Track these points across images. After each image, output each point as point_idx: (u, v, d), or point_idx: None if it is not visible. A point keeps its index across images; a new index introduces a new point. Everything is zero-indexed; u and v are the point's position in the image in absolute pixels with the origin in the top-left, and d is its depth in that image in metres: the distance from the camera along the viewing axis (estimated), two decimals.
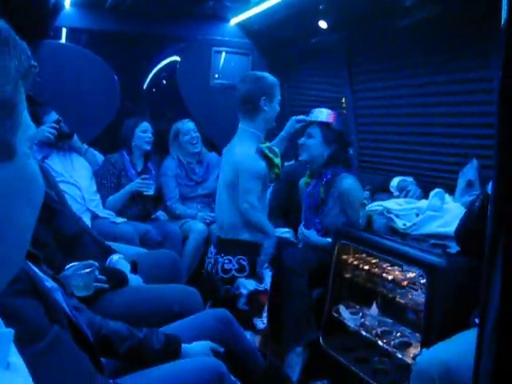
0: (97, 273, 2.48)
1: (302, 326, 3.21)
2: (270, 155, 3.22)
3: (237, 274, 3.13)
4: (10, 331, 0.63)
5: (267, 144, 3.30)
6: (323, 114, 3.59)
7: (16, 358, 0.65)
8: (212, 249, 3.36)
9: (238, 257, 3.15)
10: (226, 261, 3.17)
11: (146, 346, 1.93)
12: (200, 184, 4.61)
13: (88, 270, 2.41)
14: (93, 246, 2.91)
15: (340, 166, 3.59)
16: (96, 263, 2.49)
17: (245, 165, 3.16)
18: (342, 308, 3.21)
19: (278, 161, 3.27)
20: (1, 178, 0.57)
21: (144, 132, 4.43)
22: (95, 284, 2.47)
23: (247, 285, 3.12)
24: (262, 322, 3.15)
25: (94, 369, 1.39)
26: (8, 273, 0.64)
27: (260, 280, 3.14)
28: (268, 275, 3.18)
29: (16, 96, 0.59)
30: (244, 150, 3.21)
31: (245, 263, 3.14)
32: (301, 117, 3.66)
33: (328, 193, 3.52)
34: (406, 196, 3.37)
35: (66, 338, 1.24)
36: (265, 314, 3.17)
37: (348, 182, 3.48)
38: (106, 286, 2.53)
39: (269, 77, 3.32)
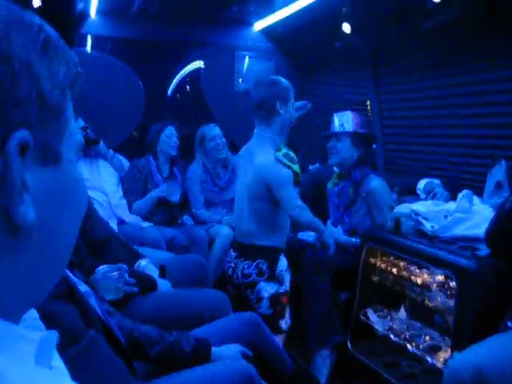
0: (126, 276, 2.50)
1: (326, 327, 3.20)
2: (288, 163, 3.21)
3: (257, 278, 3.13)
4: (54, 334, 0.64)
5: (283, 151, 3.27)
6: (349, 124, 3.60)
7: (58, 362, 0.65)
8: (232, 252, 3.35)
9: (258, 261, 3.15)
10: (246, 265, 3.17)
11: (177, 349, 1.94)
12: (225, 189, 4.60)
13: (118, 273, 2.43)
14: (121, 251, 2.93)
15: (368, 166, 3.62)
16: (125, 266, 2.50)
17: (273, 178, 3.12)
18: (369, 312, 3.20)
19: (296, 168, 3.26)
20: (46, 182, 0.58)
21: (169, 137, 4.45)
22: (125, 287, 2.48)
23: (268, 288, 3.12)
24: (285, 323, 3.15)
25: (128, 372, 1.40)
26: (54, 277, 0.65)
27: (280, 282, 3.14)
28: (288, 277, 3.18)
29: (63, 101, 0.60)
30: (264, 159, 3.17)
31: (264, 267, 3.13)
32: (301, 103, 3.63)
33: (357, 193, 3.54)
34: (433, 198, 3.34)
35: (101, 341, 1.25)
36: (287, 315, 3.17)
37: (376, 183, 3.50)
38: (135, 289, 2.55)
39: (283, 80, 3.31)
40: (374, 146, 3.78)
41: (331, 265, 3.28)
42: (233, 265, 3.25)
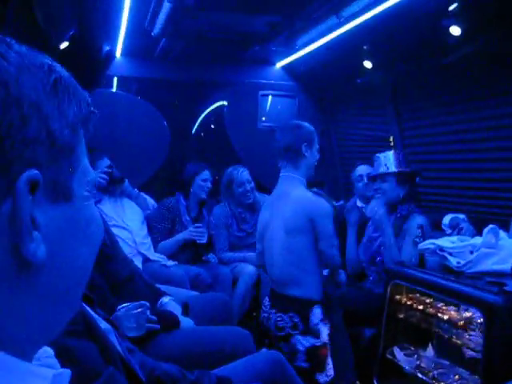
0: (148, 313, 2.49)
1: (344, 367, 3.15)
2: (326, 197, 3.26)
3: (291, 332, 3.08)
4: (67, 372, 0.64)
5: (314, 189, 3.32)
6: (392, 163, 3.62)
7: None
8: (267, 301, 3.29)
9: (290, 314, 3.10)
10: (279, 318, 3.12)
11: None
12: (251, 234, 4.50)
13: (139, 310, 2.43)
14: (144, 289, 2.94)
15: (414, 203, 3.68)
16: (147, 303, 2.50)
17: (317, 209, 3.11)
18: (396, 350, 3.13)
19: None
20: (57, 219, 0.59)
21: (204, 181, 4.46)
22: (147, 324, 2.48)
23: (303, 341, 3.07)
24: (325, 375, 3.07)
25: None
26: (68, 313, 0.65)
27: (316, 335, 3.08)
28: (325, 328, 3.11)
29: (74, 140, 0.61)
30: (303, 193, 3.18)
31: (297, 320, 3.09)
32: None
33: (400, 228, 3.55)
34: (458, 233, 3.30)
35: (121, 380, 1.24)
36: (329, 366, 3.09)
37: (420, 220, 3.48)
38: (157, 326, 2.54)
39: (306, 125, 3.35)
40: (417, 180, 3.76)
41: (343, 301, 3.26)
42: (266, 314, 3.22)
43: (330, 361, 3.10)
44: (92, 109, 0.66)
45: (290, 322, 3.08)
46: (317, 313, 3.11)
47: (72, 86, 0.63)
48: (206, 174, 4.48)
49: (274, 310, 3.16)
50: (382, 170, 3.65)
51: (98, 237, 0.68)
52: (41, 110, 0.57)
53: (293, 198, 3.16)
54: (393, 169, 3.62)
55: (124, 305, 2.44)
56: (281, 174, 3.33)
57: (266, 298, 3.32)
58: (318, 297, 3.16)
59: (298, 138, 3.25)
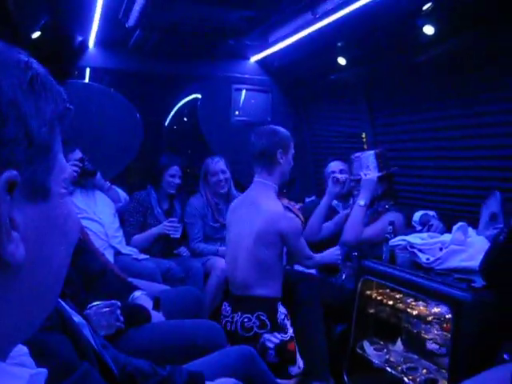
0: (118, 312, 2.48)
1: (319, 361, 3.18)
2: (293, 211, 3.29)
3: (259, 331, 3.11)
4: (44, 371, 0.63)
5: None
6: (374, 167, 3.65)
7: None
8: (227, 306, 3.30)
9: (257, 313, 3.13)
10: (246, 319, 3.14)
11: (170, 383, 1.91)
12: (225, 226, 4.51)
13: (110, 309, 2.42)
14: (116, 283, 2.93)
15: (391, 200, 3.75)
16: (118, 303, 2.48)
17: (288, 228, 3.16)
18: (366, 344, 3.17)
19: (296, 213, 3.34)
20: (35, 218, 0.58)
21: (172, 177, 4.47)
22: (117, 324, 2.47)
23: (272, 338, 3.09)
24: (297, 367, 3.11)
25: None
26: (45, 311, 0.65)
27: (284, 330, 3.11)
28: (288, 322, 3.16)
29: (51, 138, 0.60)
30: (275, 208, 3.20)
31: (264, 318, 3.11)
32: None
33: (371, 221, 3.63)
34: (428, 230, 3.35)
35: (95, 374, 1.24)
36: (298, 360, 3.14)
37: (392, 217, 3.50)
38: (123, 326, 2.52)
39: (282, 130, 3.36)
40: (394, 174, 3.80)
41: (326, 299, 3.29)
42: (230, 319, 3.22)
43: (297, 354, 3.15)
44: (68, 105, 0.65)
45: (257, 322, 3.10)
46: (282, 310, 3.17)
47: (48, 82, 0.62)
48: (174, 169, 4.48)
49: (238, 313, 3.17)
50: (365, 172, 3.65)
51: (74, 233, 0.67)
52: (19, 108, 0.55)
53: (264, 211, 3.18)
54: (375, 173, 3.64)
55: (94, 303, 2.42)
56: (254, 179, 3.35)
57: (225, 304, 3.33)
58: (279, 294, 3.23)
59: (274, 144, 3.26)
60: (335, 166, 4.27)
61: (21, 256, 0.55)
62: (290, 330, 3.13)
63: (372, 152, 3.72)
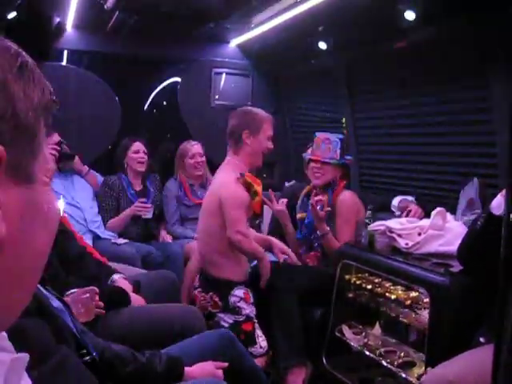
0: (97, 298, 2.46)
1: (295, 346, 3.19)
2: (249, 181, 3.22)
3: (212, 310, 3.18)
4: (25, 356, 0.63)
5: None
6: (337, 152, 3.64)
7: (25, 382, 0.65)
8: (197, 280, 3.42)
9: (210, 293, 3.21)
10: (202, 298, 3.23)
11: (149, 369, 1.91)
12: (200, 205, 4.53)
13: (88, 296, 2.40)
14: (95, 266, 2.92)
15: (346, 182, 3.76)
16: (96, 288, 2.46)
17: (227, 195, 3.17)
18: (345, 328, 3.19)
19: (257, 188, 3.26)
20: (19, 199, 0.58)
21: (136, 152, 4.44)
22: (96, 309, 2.46)
23: (226, 318, 3.17)
24: (259, 347, 3.14)
25: None
26: (24, 298, 0.64)
27: (236, 312, 3.15)
28: (248, 306, 3.20)
29: (37, 125, 0.61)
30: (224, 177, 3.24)
31: (217, 299, 3.17)
32: None
33: (334, 207, 3.61)
34: (407, 215, 3.37)
35: (74, 359, 1.23)
36: (261, 339, 3.18)
37: (347, 195, 3.63)
38: (103, 312, 2.51)
39: (257, 111, 3.34)
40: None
41: (299, 284, 3.30)
42: (196, 292, 3.33)
43: (259, 333, 3.19)
44: (54, 98, 0.65)
45: (210, 301, 3.18)
46: (238, 293, 3.20)
47: (37, 72, 0.62)
48: (136, 145, 4.46)
49: (199, 289, 3.28)
50: (328, 156, 3.66)
51: (55, 222, 0.67)
52: (7, 88, 0.56)
53: (214, 181, 3.25)
54: (338, 157, 3.64)
55: (72, 290, 2.41)
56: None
57: (198, 277, 3.43)
58: (237, 278, 3.25)
59: (241, 124, 3.26)
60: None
61: (1, 233, 0.55)
62: (246, 311, 3.17)
63: (342, 137, 3.73)
